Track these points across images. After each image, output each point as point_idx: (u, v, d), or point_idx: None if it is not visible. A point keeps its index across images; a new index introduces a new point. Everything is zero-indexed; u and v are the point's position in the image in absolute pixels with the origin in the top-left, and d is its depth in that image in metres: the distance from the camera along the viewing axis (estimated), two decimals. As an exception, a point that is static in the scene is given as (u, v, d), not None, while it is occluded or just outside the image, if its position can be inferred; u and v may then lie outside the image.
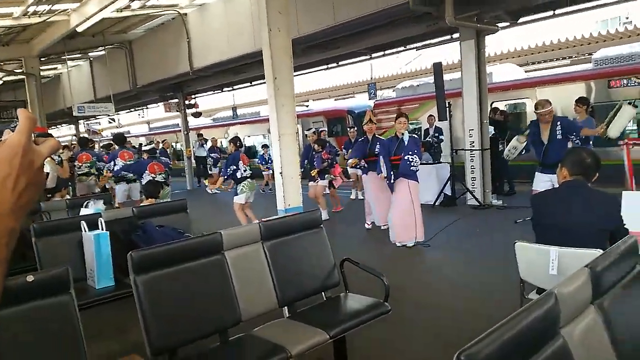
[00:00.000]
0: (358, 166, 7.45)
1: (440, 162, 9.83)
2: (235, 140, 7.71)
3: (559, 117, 5.54)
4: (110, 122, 24.48)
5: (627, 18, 20.01)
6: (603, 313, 1.63)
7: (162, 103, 17.47)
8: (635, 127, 9.82)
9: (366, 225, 7.52)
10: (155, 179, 7.49)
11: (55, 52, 12.91)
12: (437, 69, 8.54)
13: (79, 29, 10.59)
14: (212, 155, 14.99)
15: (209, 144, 17.89)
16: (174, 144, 22.98)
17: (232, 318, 2.75)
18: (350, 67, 13.42)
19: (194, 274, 2.73)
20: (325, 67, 12.92)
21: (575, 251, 2.56)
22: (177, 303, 2.58)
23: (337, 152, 8.72)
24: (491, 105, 10.24)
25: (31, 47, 12.57)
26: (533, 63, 15.83)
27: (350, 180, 10.47)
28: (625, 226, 2.68)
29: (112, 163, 8.74)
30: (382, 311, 2.97)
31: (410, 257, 5.86)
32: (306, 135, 9.43)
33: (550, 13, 8.41)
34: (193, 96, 16.59)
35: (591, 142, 6.90)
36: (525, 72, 14.02)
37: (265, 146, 13.94)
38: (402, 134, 6.11)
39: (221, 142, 16.45)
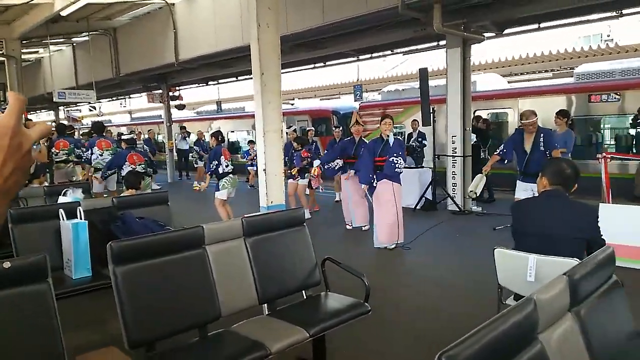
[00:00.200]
0: (332, 167, 7.51)
1: (423, 167, 9.93)
2: (217, 134, 7.63)
3: (542, 129, 5.65)
4: (91, 110, 24.01)
5: (608, 35, 20.55)
6: (580, 320, 1.68)
7: (145, 93, 17.19)
8: (614, 142, 10.09)
9: (347, 226, 7.55)
10: (136, 170, 7.38)
11: (38, 36, 12.61)
12: (423, 75, 8.62)
13: (63, 13, 10.37)
14: (196, 148, 14.87)
15: (193, 137, 17.70)
16: (146, 135, 22.71)
17: (211, 313, 2.73)
18: (337, 67, 13.49)
19: (175, 268, 2.70)
20: (312, 66, 12.92)
21: (553, 259, 2.62)
22: (157, 296, 2.56)
23: (318, 153, 8.67)
24: (474, 113, 10.38)
25: (12, 29, 12.25)
26: (516, 74, 16.12)
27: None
28: (602, 236, 2.75)
29: (89, 152, 8.58)
30: (362, 311, 2.99)
31: (391, 259, 5.91)
32: (286, 133, 9.42)
33: (536, 26, 8.58)
34: (177, 88, 16.39)
35: (569, 154, 7.08)
36: (508, 82, 14.26)
37: (251, 142, 13.87)
38: (388, 135, 6.15)
39: (204, 136, 16.28)
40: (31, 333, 2.04)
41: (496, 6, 7.93)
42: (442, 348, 1.22)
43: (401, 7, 7.33)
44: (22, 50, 13.16)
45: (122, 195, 5.00)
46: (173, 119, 16.80)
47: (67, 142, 9.51)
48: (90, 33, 13.56)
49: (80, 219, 3.74)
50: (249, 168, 13.15)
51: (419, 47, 10.57)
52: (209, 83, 16.89)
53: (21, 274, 2.10)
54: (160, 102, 16.40)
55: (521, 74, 16.08)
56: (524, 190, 5.29)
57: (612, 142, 10.07)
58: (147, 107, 24.60)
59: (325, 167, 7.56)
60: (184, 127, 16.86)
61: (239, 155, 16.80)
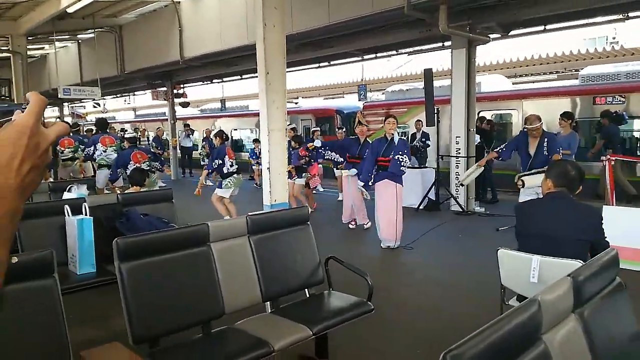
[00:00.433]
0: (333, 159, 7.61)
1: (426, 167, 9.92)
2: (221, 133, 7.68)
3: (547, 134, 5.68)
4: (95, 107, 24.06)
5: (613, 38, 20.47)
6: (583, 322, 1.68)
7: (149, 91, 17.24)
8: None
9: (350, 225, 7.56)
10: (141, 167, 7.41)
11: (44, 32, 12.65)
12: (428, 75, 8.62)
13: (69, 10, 10.39)
14: (204, 143, 14.82)
15: (197, 135, 17.72)
16: (159, 132, 22.75)
17: (215, 310, 2.75)
18: (342, 67, 13.51)
19: (179, 264, 2.72)
20: (317, 65, 12.92)
21: (557, 261, 2.62)
22: (161, 292, 2.57)
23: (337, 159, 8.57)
24: (478, 114, 10.37)
25: (19, 25, 12.29)
26: (521, 76, 16.09)
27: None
28: (606, 239, 2.75)
29: (92, 148, 8.60)
30: (365, 310, 3.00)
31: (394, 259, 5.91)
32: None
33: (541, 28, 8.56)
34: (182, 86, 16.43)
35: (573, 156, 7.06)
36: (513, 84, 14.24)
37: (256, 140, 13.89)
38: (392, 134, 6.15)
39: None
40: (37, 328, 2.05)
41: (502, 8, 7.92)
42: (444, 348, 1.22)
43: (407, 7, 7.33)
44: (28, 47, 13.21)
45: (126, 192, 5.02)
46: (177, 117, 16.84)
47: (72, 139, 9.54)
48: (95, 30, 13.61)
49: (86, 215, 3.76)
50: (254, 167, 13.13)
51: (424, 47, 10.56)
52: (214, 81, 16.92)
53: (27, 270, 2.11)
54: (165, 100, 16.44)
55: (526, 75, 16.05)
56: (529, 192, 5.28)
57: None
58: (152, 104, 24.66)
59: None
60: (188, 125, 16.91)
61: (243, 154, 16.85)
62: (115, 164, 7.90)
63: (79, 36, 15.16)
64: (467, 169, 8.74)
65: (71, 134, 9.76)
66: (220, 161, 7.29)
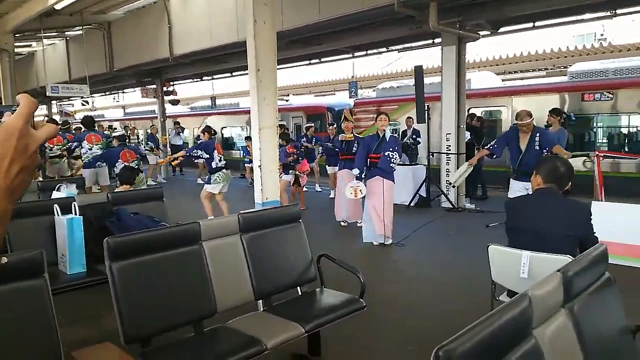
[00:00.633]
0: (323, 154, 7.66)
1: (417, 164, 9.96)
2: (209, 128, 7.76)
3: (538, 128, 5.64)
4: (83, 105, 23.85)
5: (602, 35, 20.67)
6: (573, 316, 1.70)
7: (139, 88, 17.11)
8: (606, 140, 10.18)
9: (342, 223, 7.58)
10: (130, 165, 7.36)
11: (31, 29, 12.48)
12: (418, 72, 8.65)
13: (57, 7, 10.26)
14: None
15: (187, 132, 17.62)
16: (148, 130, 22.60)
17: (207, 309, 2.74)
18: (332, 64, 13.46)
19: (171, 264, 2.70)
20: (308, 62, 12.89)
21: (546, 256, 2.65)
22: (153, 292, 2.56)
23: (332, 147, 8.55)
24: (468, 111, 10.42)
25: (6, 22, 12.11)
26: (510, 72, 16.19)
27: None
28: (595, 234, 2.79)
29: (74, 144, 8.57)
30: (357, 307, 3.01)
31: (385, 256, 5.94)
32: None
33: (530, 25, 8.62)
34: (171, 83, 16.31)
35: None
36: (502, 80, 14.33)
37: (248, 138, 13.85)
38: (384, 131, 6.17)
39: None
40: (27, 328, 2.03)
41: (491, 5, 7.96)
42: (435, 345, 1.23)
43: (397, 5, 7.34)
44: (15, 44, 13.02)
45: (116, 190, 4.99)
46: (167, 114, 16.73)
47: (61, 137, 9.45)
48: (84, 27, 13.45)
49: (75, 214, 3.73)
50: (246, 165, 13.06)
51: (414, 44, 10.59)
52: (204, 78, 16.82)
53: (17, 270, 2.09)
54: (154, 97, 16.32)
55: (515, 72, 16.15)
56: (518, 190, 5.29)
57: (605, 141, 10.15)
58: (141, 102, 24.47)
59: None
60: (178, 123, 16.80)
61: (233, 152, 16.78)
62: (99, 157, 7.85)
63: (66, 33, 14.98)
64: (458, 166, 8.80)
65: (60, 132, 9.66)
66: (209, 156, 7.27)
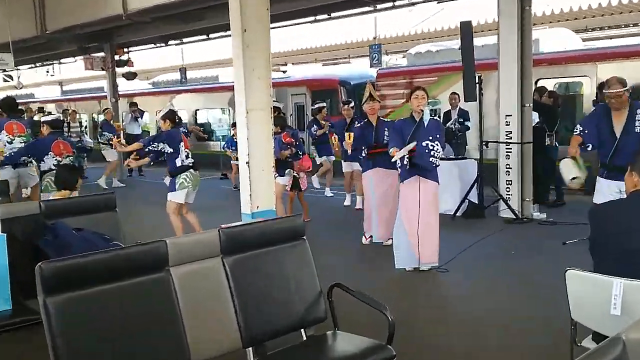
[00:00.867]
0: (358, 157, 7.57)
1: (465, 158, 9.94)
2: (171, 114, 7.67)
3: (638, 103, 5.37)
4: (6, 81, 24.06)
5: None
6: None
7: (81, 57, 17.23)
8: None
9: (364, 240, 7.59)
10: (71, 164, 7.39)
11: None
12: (466, 31, 8.63)
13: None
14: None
15: (147, 117, 17.70)
16: (95, 115, 22.79)
17: (178, 359, 2.75)
18: (347, 21, 13.47)
19: (127, 297, 2.72)
20: (313, 19, 12.92)
21: (647, 285, 2.64)
22: (102, 335, 2.57)
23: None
24: (536, 83, 10.38)
25: None
26: (594, 29, 16.08)
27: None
28: None
29: None
30: (385, 357, 3.01)
31: (422, 286, 5.93)
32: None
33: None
34: (126, 50, 16.43)
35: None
36: (583, 40, 14.24)
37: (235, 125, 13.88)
38: (422, 113, 6.12)
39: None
40: None
41: None
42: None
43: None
44: None
45: (53, 198, 5.03)
46: (120, 93, 16.83)
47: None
48: (5, -24, 13.57)
49: (-4, 230, 3.76)
50: (232, 163, 13.04)
51: (460, -8, 10.59)
52: (170, 43, 16.92)
53: None
54: (102, 70, 16.44)
55: (601, 28, 16.04)
56: (609, 192, 5.15)
57: None
58: (85, 76, 24.63)
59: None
60: (136, 104, 16.88)
61: (212, 143, 16.86)
62: (24, 151, 7.74)
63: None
64: (523, 160, 8.77)
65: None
66: (173, 150, 7.24)
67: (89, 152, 14.32)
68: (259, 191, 5.70)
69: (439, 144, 6.02)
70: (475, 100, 8.80)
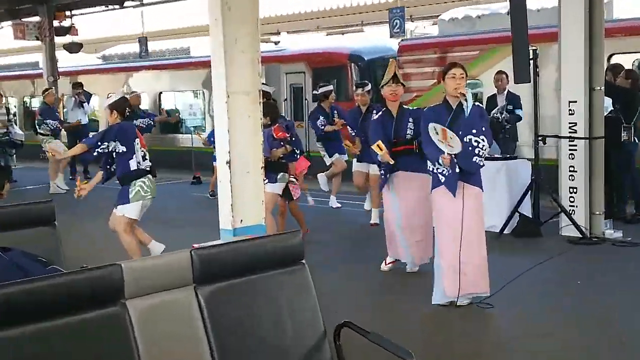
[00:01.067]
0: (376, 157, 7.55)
1: (515, 158, 9.92)
2: (121, 104, 7.61)
3: None
4: None
5: None
6: None
7: (9, 23, 17.29)
8: None
9: (383, 265, 7.59)
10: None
11: None
12: (516, -10, 8.64)
13: None
14: (140, 121, 14.74)
15: (96, 102, 17.72)
16: (27, 98, 22.83)
17: (135, 422, 2.75)
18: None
19: (69, 339, 2.71)
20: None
21: None
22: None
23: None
24: (609, 59, 10.37)
25: None
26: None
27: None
28: None
29: None
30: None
31: (461, 325, 5.93)
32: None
33: None
34: (68, 13, 16.49)
35: None
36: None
37: None
38: (463, 97, 6.08)
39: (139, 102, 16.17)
40: None
41: None
42: None
43: None
44: None
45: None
46: (60, 70, 16.87)
47: None
48: None
49: None
50: (215, 163, 13.09)
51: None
52: (126, 4, 16.97)
53: None
54: (37, 39, 16.49)
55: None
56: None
57: None
58: (14, 47, 24.69)
59: None
60: (81, 85, 16.91)
61: (181, 137, 16.92)
62: None
63: None
64: (591, 158, 8.75)
65: None
66: (124, 148, 7.23)
67: (18, 148, 14.40)
68: (244, 200, 5.71)
69: (485, 140, 6.01)
70: (529, 82, 8.79)
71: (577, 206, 8.79)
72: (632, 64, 11.06)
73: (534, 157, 9.05)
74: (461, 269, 6.09)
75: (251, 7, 5.76)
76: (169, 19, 24.08)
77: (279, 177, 8.33)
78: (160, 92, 19.28)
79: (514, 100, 11.18)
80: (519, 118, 11.20)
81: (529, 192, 8.94)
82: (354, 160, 10.02)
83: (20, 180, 13.98)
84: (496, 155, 9.88)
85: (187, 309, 3.06)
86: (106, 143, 7.24)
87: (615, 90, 9.57)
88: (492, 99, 11.64)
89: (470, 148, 5.98)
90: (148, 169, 7.41)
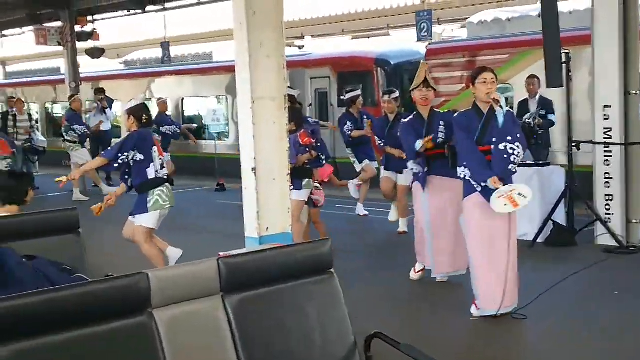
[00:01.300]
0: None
1: (548, 164, 9.86)
2: (138, 110, 7.57)
3: None
4: None
5: None
6: None
7: (31, 28, 17.45)
8: None
9: (412, 273, 7.58)
10: (13, 169, 7.47)
11: None
12: (548, -9, 8.60)
13: None
14: (166, 128, 14.79)
15: (118, 107, 17.83)
16: (49, 104, 23.04)
17: None
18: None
19: (96, 350, 2.73)
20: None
21: None
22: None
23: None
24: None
25: None
26: None
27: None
28: None
29: None
30: None
31: (493, 337, 5.91)
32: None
33: None
34: (90, 18, 16.60)
35: None
36: None
37: None
38: (497, 103, 6.06)
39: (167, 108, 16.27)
40: None
41: None
42: None
43: None
44: None
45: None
46: (82, 76, 17.00)
47: None
48: None
49: None
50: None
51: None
52: (148, 9, 17.06)
53: None
54: (59, 45, 16.62)
55: None
56: None
57: None
58: (35, 53, 24.94)
59: None
60: (103, 91, 17.06)
61: (205, 143, 16.98)
62: None
63: None
64: (627, 164, 8.67)
65: None
66: (142, 156, 7.23)
67: (41, 155, 14.54)
68: (270, 208, 5.72)
69: (520, 146, 6.00)
70: (562, 86, 8.74)
71: (613, 214, 8.72)
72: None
73: (567, 163, 8.99)
74: (497, 280, 6.06)
75: (276, 11, 5.77)
76: (192, 24, 24.22)
77: (304, 183, 8.30)
78: (183, 98, 19.39)
79: (546, 105, 11.12)
80: (552, 123, 11.14)
81: (563, 200, 8.88)
82: (382, 168, 10.00)
83: (42, 187, 14.03)
84: (529, 162, 9.84)
85: (214, 319, 3.08)
86: (126, 154, 7.23)
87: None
88: (523, 104, 11.57)
89: (505, 156, 5.96)
90: (165, 177, 7.44)
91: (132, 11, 17.16)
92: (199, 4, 15.77)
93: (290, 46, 19.67)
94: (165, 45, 22.23)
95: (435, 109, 7.64)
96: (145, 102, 8.26)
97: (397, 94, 10.08)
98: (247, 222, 5.78)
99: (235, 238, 6.09)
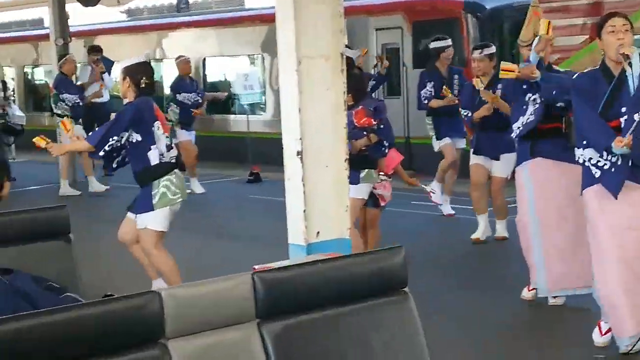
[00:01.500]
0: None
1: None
2: (137, 70, 7.51)
3: None
4: None
5: None
6: None
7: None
8: None
9: (524, 293, 7.58)
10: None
11: None
12: None
13: None
14: (184, 96, 14.86)
15: (118, 72, 18.04)
16: (29, 68, 23.32)
17: None
18: None
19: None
20: None
21: None
22: None
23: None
24: None
25: None
26: None
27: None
28: None
29: None
30: None
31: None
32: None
33: None
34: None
35: None
36: None
37: None
38: (627, 60, 6.00)
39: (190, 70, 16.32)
40: None
41: None
42: None
43: None
44: None
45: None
46: (72, 30, 17.22)
47: None
48: None
49: None
50: None
51: None
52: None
53: None
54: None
55: None
56: None
57: None
58: (11, 0, 25.33)
59: None
60: (99, 50, 17.22)
61: (232, 117, 17.15)
62: None
63: None
64: None
65: None
66: (139, 136, 7.22)
67: (18, 135, 14.73)
68: (321, 206, 5.72)
69: None
70: None
71: None
72: None
73: None
74: (633, 301, 6.00)
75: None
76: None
77: (362, 175, 8.15)
78: (205, 58, 19.39)
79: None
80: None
81: None
82: (471, 151, 9.81)
83: (20, 178, 14.11)
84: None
85: (248, 353, 3.10)
86: (115, 137, 7.12)
87: None
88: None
89: None
90: (173, 160, 7.38)
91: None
92: None
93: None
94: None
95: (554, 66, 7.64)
96: (148, 61, 8.08)
97: (492, 49, 9.92)
98: (290, 224, 5.78)
99: (274, 246, 6.13)
